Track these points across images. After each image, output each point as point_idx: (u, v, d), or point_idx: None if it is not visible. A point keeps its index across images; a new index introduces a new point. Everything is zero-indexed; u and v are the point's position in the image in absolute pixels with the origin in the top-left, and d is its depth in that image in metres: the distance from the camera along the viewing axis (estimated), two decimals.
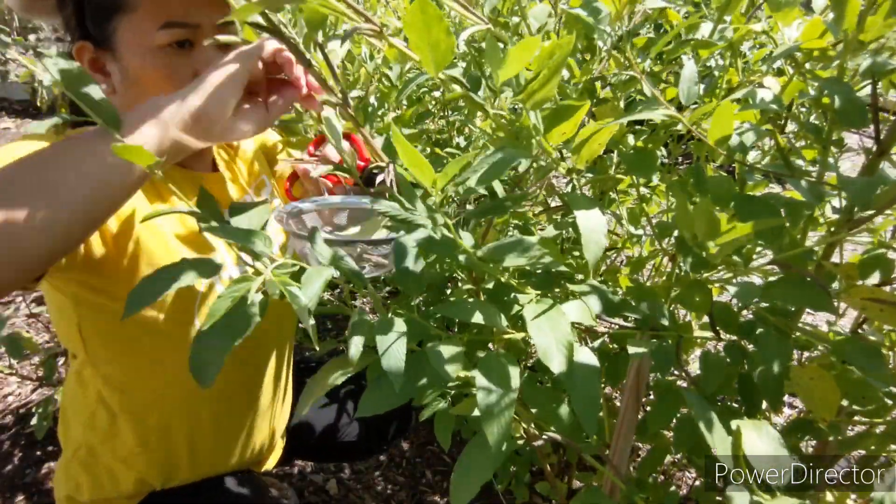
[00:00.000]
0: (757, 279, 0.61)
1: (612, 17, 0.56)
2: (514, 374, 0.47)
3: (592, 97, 0.73)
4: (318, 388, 0.54)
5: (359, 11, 0.48)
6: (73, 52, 0.76)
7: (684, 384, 0.80)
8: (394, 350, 0.46)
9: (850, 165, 0.79)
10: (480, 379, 0.46)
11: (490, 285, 0.66)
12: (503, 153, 0.50)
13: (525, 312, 0.48)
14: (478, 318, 0.50)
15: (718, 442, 0.43)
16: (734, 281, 0.55)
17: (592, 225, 0.49)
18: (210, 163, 0.92)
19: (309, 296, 0.43)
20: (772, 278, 0.57)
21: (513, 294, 0.61)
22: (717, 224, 0.43)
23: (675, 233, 0.72)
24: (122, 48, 0.73)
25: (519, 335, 0.55)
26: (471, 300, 0.51)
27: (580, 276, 0.66)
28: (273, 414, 1.03)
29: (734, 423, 0.44)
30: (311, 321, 0.43)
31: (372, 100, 1.26)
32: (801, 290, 0.47)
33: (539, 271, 0.58)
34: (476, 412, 0.60)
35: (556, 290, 0.61)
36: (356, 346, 0.47)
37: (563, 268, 0.50)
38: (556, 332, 0.46)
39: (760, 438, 0.43)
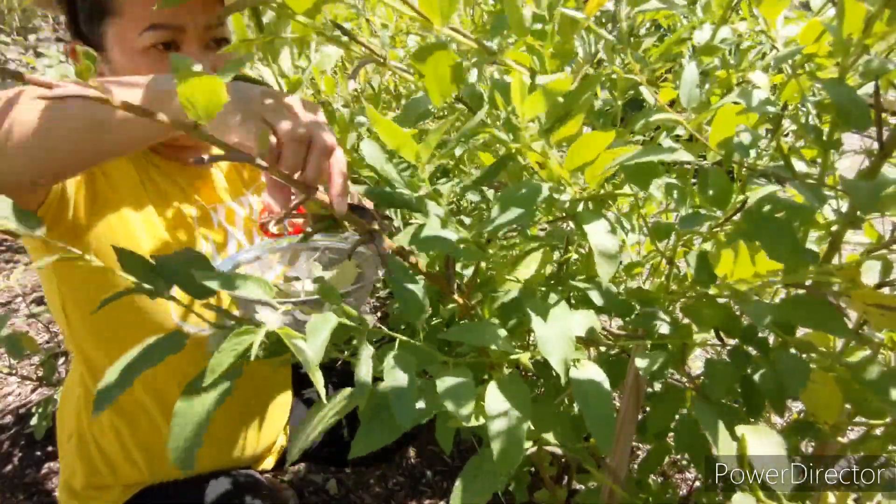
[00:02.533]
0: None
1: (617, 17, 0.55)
2: (527, 397, 0.47)
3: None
4: (312, 428, 0.52)
5: (362, 44, 0.48)
6: (67, 52, 0.78)
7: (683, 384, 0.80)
8: (403, 391, 0.45)
9: (849, 164, 0.79)
10: (492, 405, 0.46)
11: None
12: (529, 187, 0.49)
13: (530, 309, 0.48)
14: (486, 341, 0.49)
15: (723, 447, 0.43)
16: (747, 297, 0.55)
17: (603, 240, 0.48)
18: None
19: (315, 349, 0.41)
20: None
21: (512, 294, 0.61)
22: (750, 266, 0.42)
23: (673, 237, 0.72)
24: (111, 50, 0.75)
25: (525, 355, 0.55)
26: (477, 324, 0.51)
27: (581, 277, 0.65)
28: (270, 412, 1.03)
29: (739, 429, 0.44)
30: (319, 374, 0.41)
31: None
32: (815, 311, 0.47)
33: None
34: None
35: (560, 287, 0.61)
36: (364, 375, 0.46)
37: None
38: (559, 329, 0.46)
39: (763, 443, 0.43)
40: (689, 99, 0.53)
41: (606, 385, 0.50)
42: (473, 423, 0.60)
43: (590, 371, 0.50)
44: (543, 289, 0.52)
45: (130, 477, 0.92)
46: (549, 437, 0.59)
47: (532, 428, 0.64)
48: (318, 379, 0.41)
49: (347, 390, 0.53)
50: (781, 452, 0.44)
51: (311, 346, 0.41)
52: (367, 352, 0.48)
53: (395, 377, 0.46)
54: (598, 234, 0.47)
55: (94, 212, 0.76)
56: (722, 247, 0.46)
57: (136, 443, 0.90)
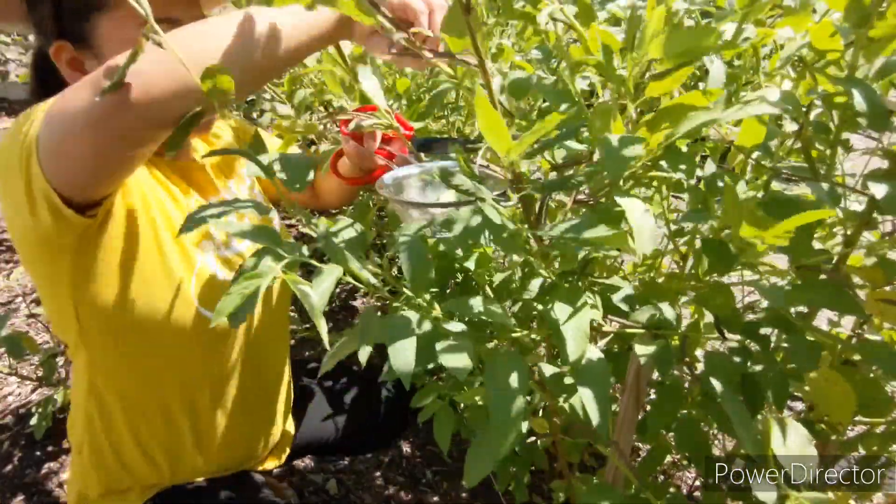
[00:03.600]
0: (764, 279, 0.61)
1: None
2: (524, 371, 0.48)
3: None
4: (337, 355, 0.54)
5: None
6: (50, 53, 0.76)
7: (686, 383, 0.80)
8: (403, 351, 0.46)
9: (850, 165, 0.79)
10: (490, 377, 0.46)
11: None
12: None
13: (552, 300, 0.48)
14: (484, 315, 0.50)
15: (750, 441, 0.44)
16: (760, 283, 0.55)
17: (642, 218, 0.48)
18: (190, 153, 0.93)
19: (320, 294, 0.43)
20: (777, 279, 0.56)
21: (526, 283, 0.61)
22: (761, 221, 0.43)
23: (688, 227, 0.72)
24: (103, 45, 0.74)
25: (525, 333, 0.55)
26: (478, 298, 0.52)
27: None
28: (277, 404, 1.04)
29: (763, 419, 0.44)
30: (322, 320, 0.43)
31: None
32: (826, 293, 0.47)
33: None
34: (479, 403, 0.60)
35: (580, 283, 0.61)
36: (365, 352, 0.48)
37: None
38: (577, 320, 0.47)
39: (789, 435, 0.44)
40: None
41: (604, 361, 0.51)
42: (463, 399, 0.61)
43: (589, 352, 0.51)
44: (567, 284, 0.53)
45: (150, 478, 0.92)
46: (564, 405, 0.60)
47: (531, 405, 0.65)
48: (321, 326, 0.43)
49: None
50: (806, 444, 0.44)
51: (317, 291, 0.43)
52: (371, 312, 0.51)
53: (396, 334, 0.47)
54: (636, 210, 0.48)
55: (122, 202, 0.75)
56: (746, 210, 0.46)
57: (158, 443, 0.90)
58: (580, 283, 0.59)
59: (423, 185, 0.84)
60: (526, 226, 0.57)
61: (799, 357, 0.50)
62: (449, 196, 0.83)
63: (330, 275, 0.45)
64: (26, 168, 0.63)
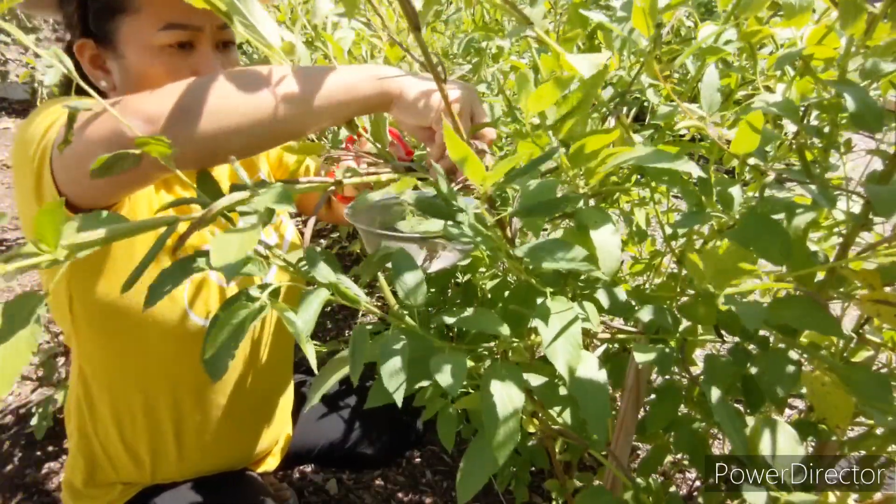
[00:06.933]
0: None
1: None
2: (519, 384, 0.47)
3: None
4: (326, 378, 0.54)
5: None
6: (73, 49, 0.77)
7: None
8: (393, 370, 0.46)
9: (852, 166, 0.79)
10: (486, 391, 0.46)
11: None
12: (546, 184, 0.52)
13: (538, 312, 0.48)
14: (485, 327, 0.50)
15: (740, 444, 0.44)
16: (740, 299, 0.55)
17: (606, 239, 0.48)
18: None
19: (305, 320, 0.43)
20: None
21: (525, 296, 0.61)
22: (729, 277, 0.43)
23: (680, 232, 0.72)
24: (124, 47, 0.75)
25: (522, 343, 0.55)
26: (474, 309, 0.51)
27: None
28: (270, 412, 1.03)
29: (750, 420, 0.44)
30: (310, 345, 0.42)
31: None
32: (808, 312, 0.47)
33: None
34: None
35: (567, 288, 0.61)
36: (356, 367, 0.48)
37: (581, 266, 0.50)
38: (566, 338, 0.46)
39: (778, 437, 0.43)
40: (711, 104, 0.52)
41: (603, 376, 0.51)
42: (465, 404, 0.61)
43: (587, 362, 0.51)
44: (551, 290, 0.53)
45: (132, 475, 0.92)
46: (558, 418, 0.59)
47: (533, 411, 0.65)
48: (309, 351, 0.42)
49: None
50: (795, 446, 0.44)
51: (302, 318, 0.43)
52: (363, 331, 0.50)
53: (388, 355, 0.47)
54: (601, 232, 0.48)
55: (129, 205, 0.75)
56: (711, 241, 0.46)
57: (141, 440, 0.90)
58: (567, 289, 0.58)
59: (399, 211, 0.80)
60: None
61: (779, 379, 0.50)
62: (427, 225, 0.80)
63: (316, 298, 0.44)
64: (38, 169, 0.64)
